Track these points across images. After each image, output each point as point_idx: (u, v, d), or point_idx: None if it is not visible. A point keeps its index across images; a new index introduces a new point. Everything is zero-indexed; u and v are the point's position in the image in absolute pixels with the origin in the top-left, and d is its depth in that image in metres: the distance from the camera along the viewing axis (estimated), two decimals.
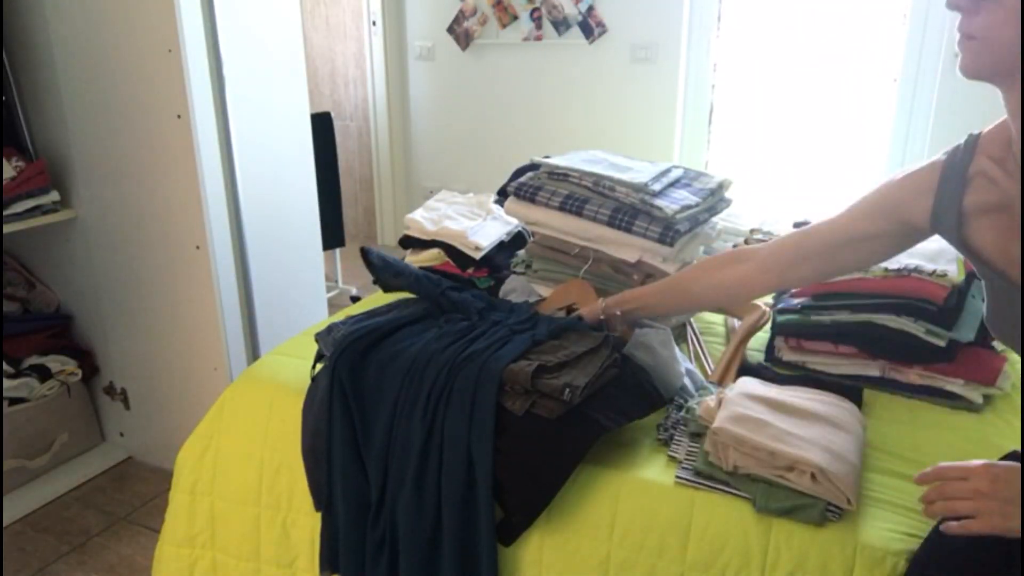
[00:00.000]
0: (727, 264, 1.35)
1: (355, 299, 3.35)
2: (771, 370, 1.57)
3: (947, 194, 1.05)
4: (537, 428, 1.26)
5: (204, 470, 1.57)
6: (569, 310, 1.64)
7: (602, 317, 1.46)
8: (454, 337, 1.40)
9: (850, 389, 1.41)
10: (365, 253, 1.62)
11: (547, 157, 1.71)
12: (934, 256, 1.55)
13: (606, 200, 1.59)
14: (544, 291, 1.71)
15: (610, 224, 1.57)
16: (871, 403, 1.46)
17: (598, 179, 1.60)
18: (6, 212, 2.07)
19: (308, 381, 1.50)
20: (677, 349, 1.48)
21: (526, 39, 3.99)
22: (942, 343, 1.44)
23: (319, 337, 1.50)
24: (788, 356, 1.59)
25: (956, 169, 1.05)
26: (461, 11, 4.09)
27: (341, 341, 1.42)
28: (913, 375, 1.49)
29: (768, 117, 3.71)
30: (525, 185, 1.68)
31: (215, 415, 1.59)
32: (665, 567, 1.20)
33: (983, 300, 1.55)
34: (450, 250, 2.00)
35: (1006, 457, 1.14)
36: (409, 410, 1.30)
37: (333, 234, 3.40)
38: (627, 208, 1.56)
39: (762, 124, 3.74)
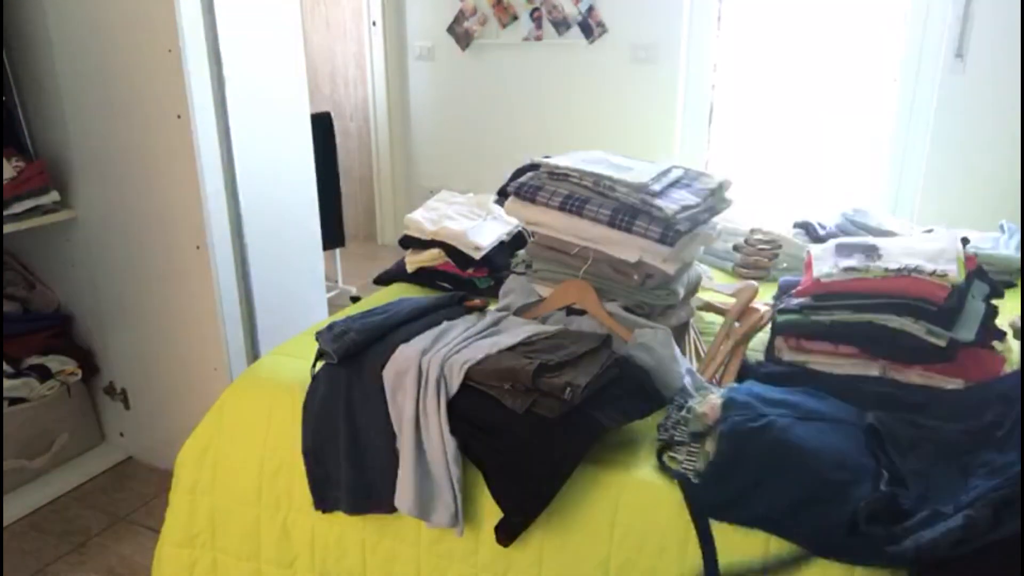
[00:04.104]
0: None
1: (355, 299, 3.35)
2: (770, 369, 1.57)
3: None
4: (537, 427, 1.26)
5: (204, 470, 1.57)
6: (569, 310, 1.64)
7: None
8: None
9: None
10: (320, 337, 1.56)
11: (547, 157, 1.71)
12: (934, 256, 1.55)
13: (606, 200, 1.59)
14: (544, 291, 1.70)
15: (610, 224, 1.56)
16: None
17: (598, 179, 1.59)
18: (6, 212, 2.07)
19: (308, 381, 1.50)
20: (677, 349, 1.48)
21: (526, 39, 3.98)
22: (942, 343, 1.43)
23: (319, 336, 1.50)
24: (788, 356, 1.59)
25: None
26: (461, 11, 4.09)
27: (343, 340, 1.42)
28: (913, 375, 1.49)
29: (768, 117, 3.71)
30: (525, 185, 1.68)
31: (215, 415, 1.59)
32: (665, 567, 1.20)
33: (982, 301, 1.56)
34: (450, 250, 2.00)
35: None
36: None
37: (333, 234, 3.39)
38: (627, 208, 1.56)
39: (762, 124, 3.74)
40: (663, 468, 1.25)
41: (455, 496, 1.31)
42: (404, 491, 1.33)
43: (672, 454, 1.28)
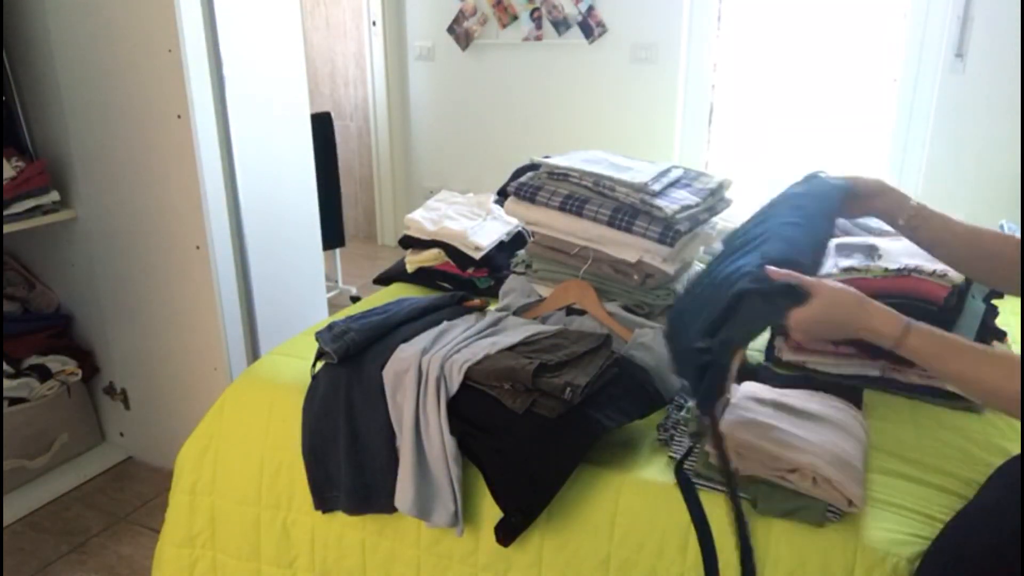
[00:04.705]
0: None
1: (355, 299, 3.35)
2: (771, 370, 1.57)
3: None
4: (537, 427, 1.26)
5: (204, 470, 1.57)
6: (569, 310, 1.64)
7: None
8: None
9: (850, 389, 1.41)
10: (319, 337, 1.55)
11: (547, 157, 1.71)
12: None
13: (606, 200, 1.59)
14: (544, 291, 1.71)
15: (610, 224, 1.57)
16: (871, 403, 1.45)
17: (598, 179, 1.59)
18: (6, 212, 2.07)
19: (308, 381, 1.50)
20: None
21: (526, 39, 3.98)
22: None
23: (319, 336, 1.51)
24: (788, 356, 1.59)
25: None
26: (461, 11, 4.09)
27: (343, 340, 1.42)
28: (913, 375, 1.49)
29: (768, 117, 3.71)
30: (525, 185, 1.68)
31: (215, 415, 1.59)
32: (665, 567, 1.20)
33: (983, 301, 1.56)
34: (450, 250, 2.00)
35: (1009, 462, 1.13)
36: None
37: (333, 234, 3.39)
38: (627, 208, 1.56)
39: (762, 124, 3.74)
40: (680, 480, 1.23)
41: (455, 496, 1.31)
42: (404, 491, 1.33)
43: (672, 455, 1.28)
